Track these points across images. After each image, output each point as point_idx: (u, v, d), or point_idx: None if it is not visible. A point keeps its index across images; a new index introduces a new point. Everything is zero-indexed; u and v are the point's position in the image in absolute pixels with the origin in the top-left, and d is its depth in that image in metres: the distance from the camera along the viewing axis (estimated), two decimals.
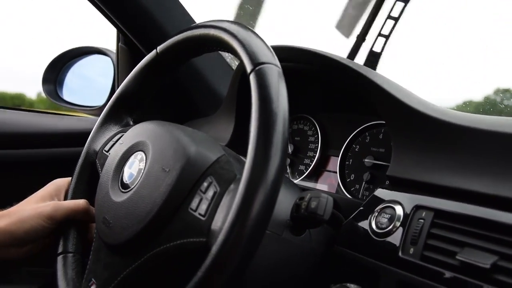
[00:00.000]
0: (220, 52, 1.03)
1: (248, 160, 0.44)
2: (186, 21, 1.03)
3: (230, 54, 0.70)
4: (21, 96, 3.30)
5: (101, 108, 1.17)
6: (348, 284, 0.58)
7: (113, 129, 0.69)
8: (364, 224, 0.62)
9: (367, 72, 0.71)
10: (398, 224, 0.57)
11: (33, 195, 0.65)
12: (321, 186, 0.87)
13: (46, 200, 0.63)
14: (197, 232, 0.48)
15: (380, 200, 0.62)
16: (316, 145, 0.90)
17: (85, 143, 0.69)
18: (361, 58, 0.92)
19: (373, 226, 0.60)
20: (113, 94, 0.70)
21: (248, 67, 0.48)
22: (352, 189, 0.81)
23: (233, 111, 0.91)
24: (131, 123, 0.70)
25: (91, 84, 1.32)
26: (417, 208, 0.57)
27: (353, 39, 0.93)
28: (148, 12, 0.96)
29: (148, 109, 0.95)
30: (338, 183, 0.83)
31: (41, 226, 0.60)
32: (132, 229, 0.51)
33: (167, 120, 0.61)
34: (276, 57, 0.50)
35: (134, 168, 0.56)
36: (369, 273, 0.59)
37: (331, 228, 0.65)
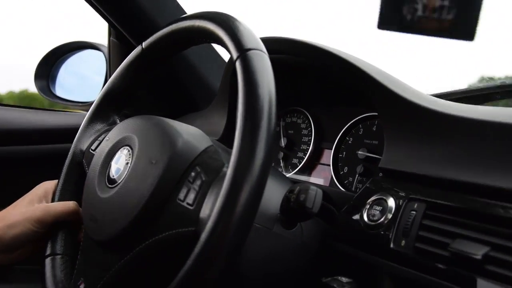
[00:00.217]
0: (213, 45, 1.02)
1: (235, 145, 0.43)
2: (179, 14, 1.01)
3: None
4: None
5: None
6: (339, 278, 0.57)
7: (100, 128, 0.68)
8: (356, 216, 0.61)
9: (358, 62, 0.70)
10: (390, 216, 0.57)
11: (20, 199, 0.63)
12: (315, 179, 0.86)
13: (35, 204, 0.62)
14: (186, 222, 0.48)
15: (372, 192, 0.62)
16: (310, 138, 0.89)
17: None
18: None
19: (365, 218, 0.59)
20: None
21: (234, 54, 0.48)
22: (345, 182, 0.80)
23: (226, 105, 0.90)
24: (118, 121, 0.69)
25: (84, 79, 1.31)
26: (409, 200, 0.57)
27: None
28: (138, 5, 0.94)
29: (142, 105, 0.94)
30: (332, 176, 0.82)
31: (30, 230, 0.59)
32: (120, 223, 0.50)
33: (161, 115, 0.60)
34: (262, 43, 0.49)
35: (121, 162, 0.55)
36: (361, 266, 0.58)
37: (323, 221, 0.65)
